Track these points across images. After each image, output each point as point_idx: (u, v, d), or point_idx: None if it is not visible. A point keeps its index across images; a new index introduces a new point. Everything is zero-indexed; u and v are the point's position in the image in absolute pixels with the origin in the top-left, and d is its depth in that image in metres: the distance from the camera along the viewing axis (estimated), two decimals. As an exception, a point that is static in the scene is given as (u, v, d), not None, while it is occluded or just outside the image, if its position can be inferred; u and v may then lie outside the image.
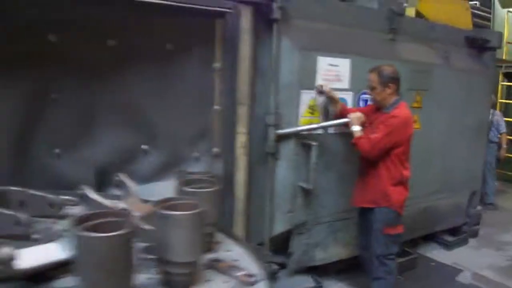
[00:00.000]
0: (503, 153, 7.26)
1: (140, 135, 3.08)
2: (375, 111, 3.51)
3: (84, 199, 2.27)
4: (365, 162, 3.48)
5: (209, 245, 1.90)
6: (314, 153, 3.52)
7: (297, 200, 3.67)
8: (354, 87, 3.83)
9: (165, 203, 1.61)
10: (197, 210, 1.56)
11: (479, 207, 5.82)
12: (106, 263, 1.28)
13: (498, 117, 7.22)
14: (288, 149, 3.56)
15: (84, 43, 2.71)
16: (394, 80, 3.35)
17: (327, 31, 3.77)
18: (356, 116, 3.40)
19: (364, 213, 3.58)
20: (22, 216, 1.92)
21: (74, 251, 1.33)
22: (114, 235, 1.30)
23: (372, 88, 3.39)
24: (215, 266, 1.78)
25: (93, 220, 1.39)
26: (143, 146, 3.09)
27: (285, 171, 3.60)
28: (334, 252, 4.03)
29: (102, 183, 2.87)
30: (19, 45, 2.53)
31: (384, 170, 3.37)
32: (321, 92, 3.48)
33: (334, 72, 3.67)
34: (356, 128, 3.37)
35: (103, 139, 2.96)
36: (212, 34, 3.14)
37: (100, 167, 2.96)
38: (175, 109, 3.10)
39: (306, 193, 3.67)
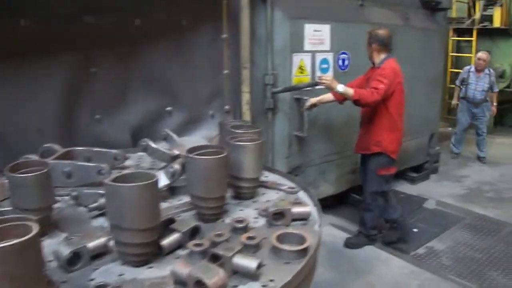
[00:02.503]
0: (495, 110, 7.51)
1: (165, 99, 3.65)
2: (372, 70, 3.99)
3: (147, 148, 2.88)
4: (364, 114, 4.01)
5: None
6: (305, 106, 4.21)
7: (292, 147, 4.37)
8: (334, 48, 4.51)
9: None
10: (260, 141, 2.19)
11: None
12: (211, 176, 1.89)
13: (492, 77, 7.22)
14: (284, 104, 4.23)
15: (115, 24, 3.22)
16: (377, 40, 3.84)
17: (310, 1, 4.40)
18: (325, 78, 3.79)
19: (364, 158, 4.18)
20: (104, 166, 2.47)
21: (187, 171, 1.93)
22: (214, 158, 1.91)
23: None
24: (265, 184, 2.43)
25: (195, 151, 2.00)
26: (168, 108, 3.67)
27: (282, 123, 4.28)
28: (324, 189, 4.80)
29: (136, 141, 3.45)
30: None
31: (378, 120, 3.86)
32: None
33: (318, 36, 4.32)
34: (341, 88, 3.70)
35: (135, 105, 3.52)
36: (220, 11, 3.71)
37: (134, 128, 3.54)
38: (192, 75, 3.68)
39: (300, 140, 4.38)
